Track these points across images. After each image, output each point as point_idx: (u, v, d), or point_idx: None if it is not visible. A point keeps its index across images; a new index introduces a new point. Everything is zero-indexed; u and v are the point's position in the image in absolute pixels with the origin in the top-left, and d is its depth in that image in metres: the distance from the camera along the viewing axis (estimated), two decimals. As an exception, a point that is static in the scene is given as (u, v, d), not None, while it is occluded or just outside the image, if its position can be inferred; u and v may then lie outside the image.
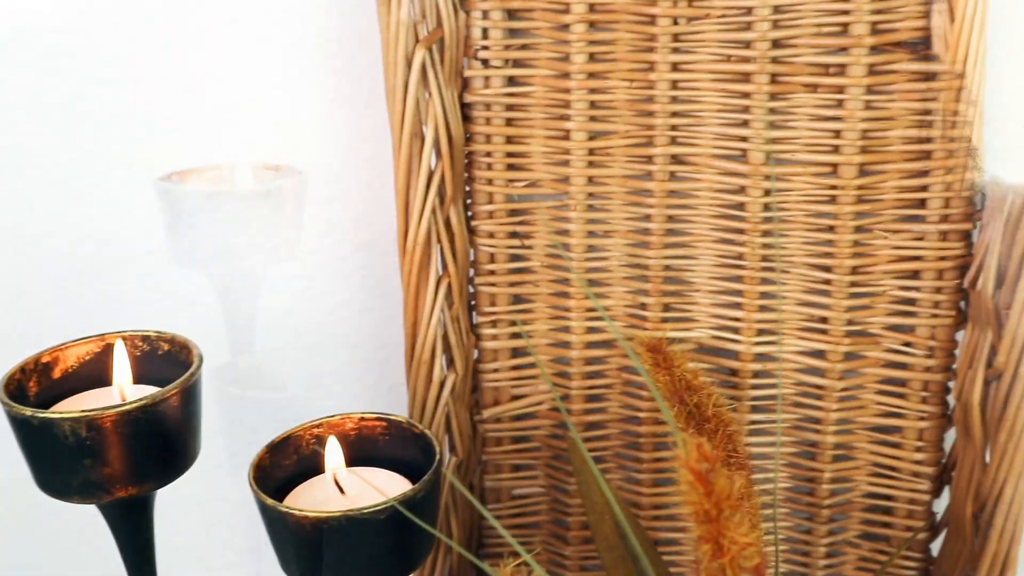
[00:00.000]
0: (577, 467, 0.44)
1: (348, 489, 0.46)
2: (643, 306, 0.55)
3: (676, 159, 0.52)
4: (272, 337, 0.65)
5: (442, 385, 0.55)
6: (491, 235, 0.55)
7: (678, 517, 0.58)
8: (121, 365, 0.47)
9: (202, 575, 0.70)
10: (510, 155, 0.54)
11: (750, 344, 0.54)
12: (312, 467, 0.48)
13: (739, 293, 0.53)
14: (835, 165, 0.51)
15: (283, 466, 0.47)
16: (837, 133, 0.50)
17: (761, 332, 0.54)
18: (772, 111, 0.50)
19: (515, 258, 0.56)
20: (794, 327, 0.53)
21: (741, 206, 0.52)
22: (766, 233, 0.52)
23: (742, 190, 0.52)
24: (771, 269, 0.53)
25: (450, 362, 0.56)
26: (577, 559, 0.60)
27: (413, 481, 0.45)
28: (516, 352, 0.58)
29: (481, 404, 0.58)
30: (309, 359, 0.65)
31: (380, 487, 0.46)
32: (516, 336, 0.57)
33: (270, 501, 0.42)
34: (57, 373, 0.48)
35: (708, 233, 0.53)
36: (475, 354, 0.58)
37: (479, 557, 0.62)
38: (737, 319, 0.54)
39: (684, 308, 0.55)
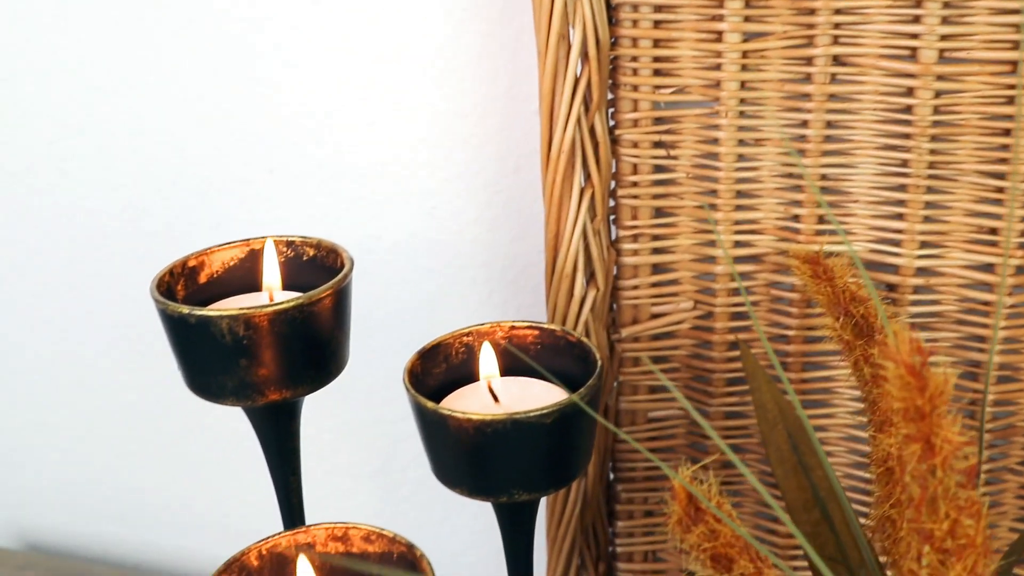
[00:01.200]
0: (750, 373, 0.42)
1: (503, 397, 0.45)
2: (796, 218, 0.52)
3: (838, 60, 0.49)
4: (398, 257, 0.64)
5: (582, 301, 0.53)
6: (635, 144, 0.53)
7: (826, 441, 0.56)
8: (271, 267, 0.46)
9: (336, 486, 0.69)
10: (657, 59, 0.51)
11: (911, 258, 0.51)
12: (461, 376, 0.47)
13: (902, 203, 0.51)
14: (1014, 63, 0.47)
15: (433, 374, 0.46)
16: (1017, 28, 0.47)
17: (924, 245, 0.51)
18: (947, 4, 0.47)
19: (659, 169, 0.54)
20: (960, 239, 0.50)
21: (908, 109, 0.49)
22: (935, 138, 0.49)
23: (910, 92, 0.49)
24: (938, 177, 0.50)
25: (591, 277, 0.54)
26: (716, 484, 0.58)
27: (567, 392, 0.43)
28: (657, 268, 0.55)
29: (619, 323, 0.56)
30: (435, 279, 0.64)
31: (535, 397, 0.44)
32: (658, 251, 0.55)
33: (431, 404, 0.41)
34: (203, 278, 0.47)
35: (870, 140, 0.50)
36: (614, 270, 0.56)
37: (611, 481, 0.61)
38: (899, 231, 0.51)
39: (841, 220, 0.52)
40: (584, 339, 0.45)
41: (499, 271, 0.63)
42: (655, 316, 0.56)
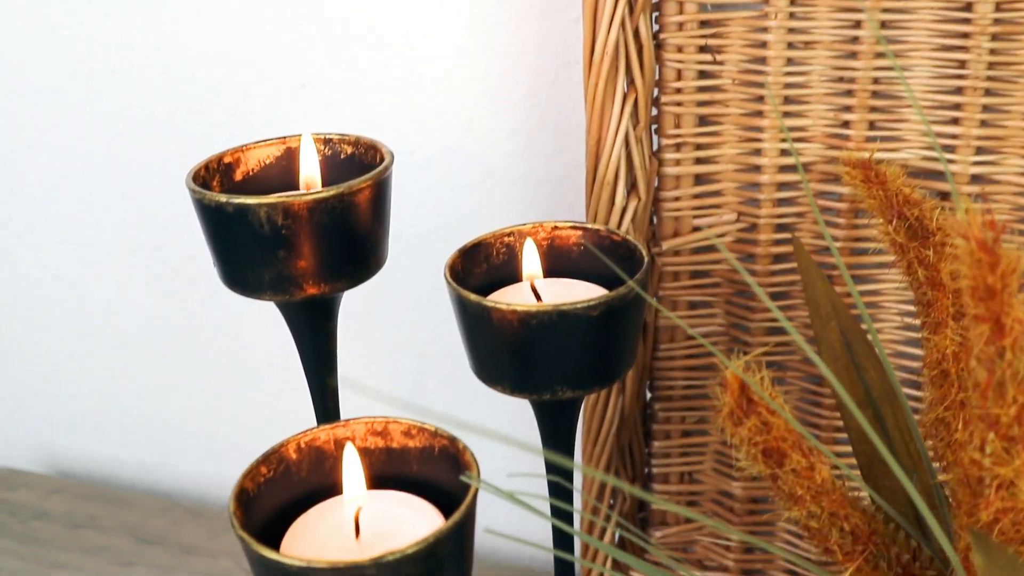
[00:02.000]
0: (803, 269, 0.41)
1: (545, 297, 0.44)
2: (846, 124, 0.51)
3: (894, -43, 0.48)
4: (433, 173, 0.62)
5: (623, 211, 0.52)
6: (679, 49, 0.51)
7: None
8: (309, 162, 0.45)
9: (372, 390, 0.69)
10: (704, -41, 0.50)
11: (966, 164, 0.49)
12: (502, 277, 0.46)
13: (958, 107, 0.49)
14: (1081, -43, 0.45)
15: (473, 274, 0.45)
16: (1086, -80, 0.45)
17: (980, 151, 0.49)
18: None
19: (704, 75, 0.52)
20: (1019, 144, 0.49)
21: (968, 7, 0.47)
22: (995, 37, 0.47)
23: (969, -11, 0.47)
24: (997, 79, 0.48)
25: (632, 187, 0.52)
26: (768, 377, 0.57)
27: (616, 287, 0.42)
28: (700, 179, 0.54)
29: (659, 236, 0.55)
30: (471, 195, 0.62)
31: (579, 296, 0.43)
32: (701, 161, 0.53)
33: (473, 297, 0.40)
34: (239, 176, 0.46)
35: (926, 40, 0.48)
36: (655, 181, 0.54)
37: (649, 401, 0.60)
38: (954, 136, 0.49)
39: (892, 126, 0.50)
40: (629, 237, 0.44)
41: (536, 186, 0.61)
42: (696, 229, 0.55)
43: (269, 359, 0.73)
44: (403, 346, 0.68)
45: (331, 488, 0.39)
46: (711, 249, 0.55)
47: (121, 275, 0.75)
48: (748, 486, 0.59)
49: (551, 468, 0.44)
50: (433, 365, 0.68)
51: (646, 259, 0.42)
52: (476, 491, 0.35)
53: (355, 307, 0.61)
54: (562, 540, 0.46)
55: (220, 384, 0.76)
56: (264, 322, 0.69)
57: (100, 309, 0.77)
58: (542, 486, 0.49)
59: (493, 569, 0.68)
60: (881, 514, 0.39)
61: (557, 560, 0.47)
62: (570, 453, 0.45)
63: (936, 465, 0.41)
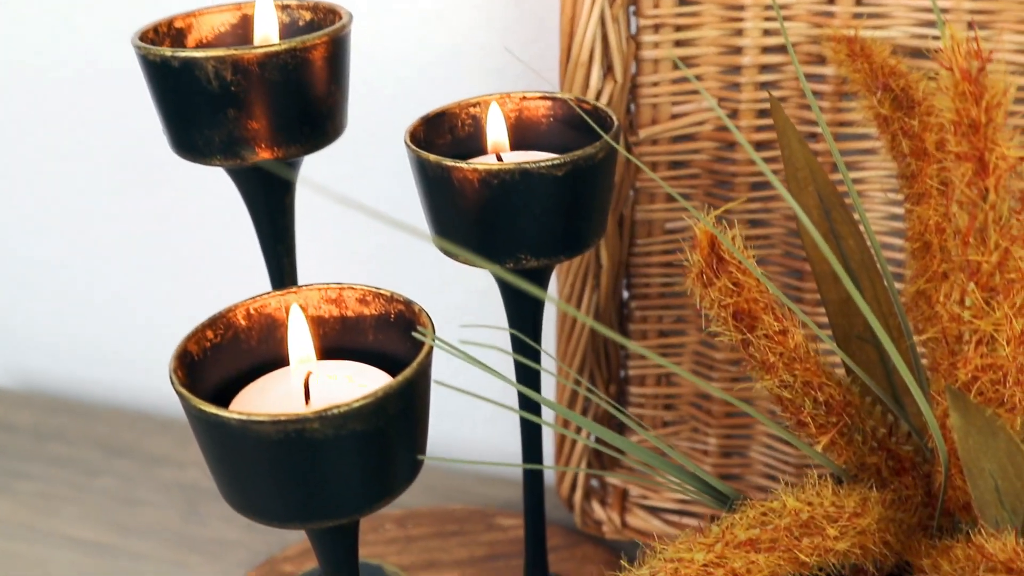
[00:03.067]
0: (780, 130, 0.39)
1: (511, 165, 0.41)
2: (831, 1, 0.49)
3: None
4: (404, 66, 0.60)
5: (599, 94, 0.50)
6: (658, -78, 0.49)
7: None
8: (265, 24, 0.42)
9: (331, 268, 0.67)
10: None
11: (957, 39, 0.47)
12: (468, 151, 0.43)
13: (948, -20, 0.47)
14: None
15: (437, 144, 0.43)
16: None
17: (971, 26, 0.47)
18: None
19: (684, -50, 0.50)
20: (1012, 19, 0.46)
21: None
22: (988, -98, 0.45)
23: None
24: (990, -52, 0.46)
25: (608, 69, 0.50)
26: (741, 235, 0.55)
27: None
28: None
29: (636, 124, 0.53)
30: (442, 87, 0.60)
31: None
32: (680, 44, 0.51)
33: (432, 157, 0.38)
34: (191, 43, 0.43)
35: (916, -92, 0.46)
36: (633, 66, 0.52)
37: (625, 300, 0.58)
38: (944, 10, 0.47)
39: (879, 1, 0.48)
40: (600, 105, 0.42)
41: (512, 79, 0.59)
42: (675, 116, 0.53)
43: (241, 271, 0.71)
44: (365, 223, 0.66)
45: (283, 359, 0.38)
46: (690, 138, 0.53)
47: (87, 185, 0.72)
48: (726, 387, 0.57)
49: (518, 346, 0.42)
50: (396, 241, 0.66)
51: (616, 122, 0.40)
52: (430, 349, 0.33)
53: (314, 179, 0.59)
54: (530, 436, 0.44)
55: (191, 297, 0.74)
56: (237, 230, 0.67)
57: (68, 222, 0.74)
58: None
59: (470, 477, 0.67)
60: (857, 387, 0.38)
61: (526, 449, 0.46)
62: (537, 337, 0.43)
63: (917, 339, 0.39)
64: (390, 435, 0.32)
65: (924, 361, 0.40)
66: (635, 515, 0.59)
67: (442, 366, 0.67)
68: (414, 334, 0.33)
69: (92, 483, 0.68)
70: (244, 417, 0.30)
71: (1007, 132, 0.29)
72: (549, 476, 0.67)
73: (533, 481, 0.46)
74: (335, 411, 0.30)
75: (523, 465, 0.38)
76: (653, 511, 0.59)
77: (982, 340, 0.31)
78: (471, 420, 0.71)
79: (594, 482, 0.60)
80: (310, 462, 0.31)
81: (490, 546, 0.58)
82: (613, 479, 0.60)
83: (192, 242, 0.72)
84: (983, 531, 0.32)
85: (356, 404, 0.31)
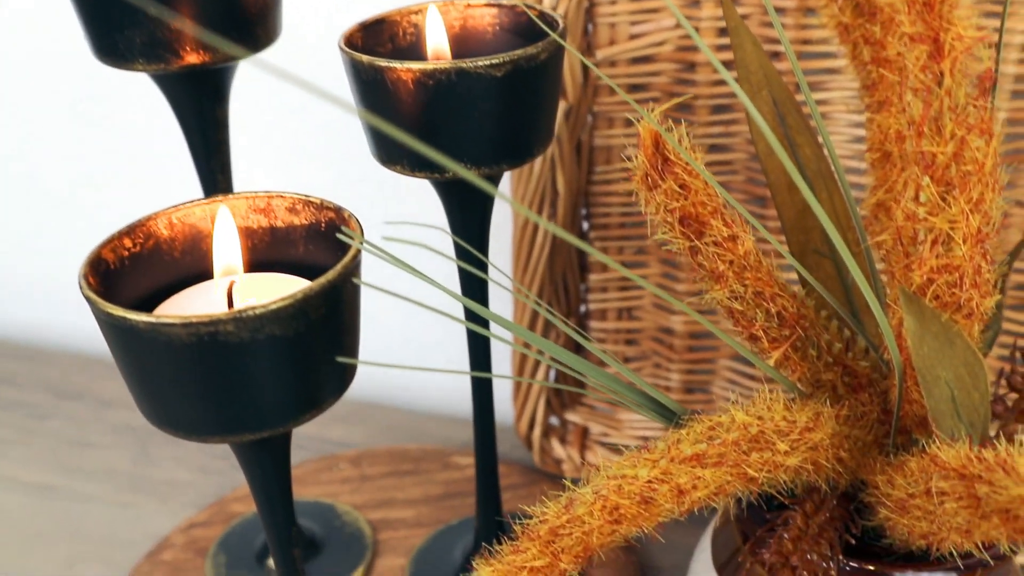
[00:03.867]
0: (732, 29, 0.37)
1: (453, 74, 0.39)
2: (794, -90, 0.47)
3: None
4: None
5: (554, 10, 0.48)
6: None
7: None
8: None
9: (274, 177, 0.65)
10: None
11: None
12: (409, 59, 0.41)
13: None
14: None
15: (376, 53, 0.40)
16: None
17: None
18: None
19: None
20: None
21: None
22: None
23: None
24: None
25: (562, -16, 0.48)
26: (688, 136, 0.53)
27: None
28: (637, -21, 0.50)
29: (594, 45, 0.51)
30: None
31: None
32: (638, -42, 0.49)
33: (365, 58, 0.35)
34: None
35: None
36: (589, -18, 0.50)
37: (584, 231, 0.56)
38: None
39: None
40: (546, 9, 0.40)
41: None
42: (634, 36, 0.50)
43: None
44: (304, 136, 0.63)
45: (210, 273, 0.36)
46: (649, 59, 0.51)
47: (32, 123, 0.70)
48: (688, 320, 0.56)
49: (463, 255, 0.40)
50: (336, 156, 0.64)
51: (561, 23, 0.38)
52: (356, 252, 0.31)
53: (248, 92, 0.57)
54: (478, 348, 0.43)
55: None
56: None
57: (13, 161, 0.72)
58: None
59: (428, 418, 0.65)
60: (812, 300, 0.36)
61: (474, 359, 0.44)
62: (484, 244, 0.41)
63: (871, 241, 0.37)
64: (313, 342, 0.30)
65: (884, 278, 0.38)
66: (595, 453, 0.57)
67: (404, 311, 0.66)
68: (339, 236, 0.31)
69: (41, 426, 0.66)
70: (153, 320, 0.28)
71: (964, 10, 0.27)
72: (508, 416, 0.65)
73: (482, 408, 0.45)
74: (250, 313, 0.28)
75: (471, 372, 0.36)
76: (614, 448, 0.57)
77: (938, 239, 0.30)
78: (434, 363, 0.69)
79: (553, 420, 0.58)
80: (227, 369, 0.29)
81: (445, 485, 0.57)
82: (573, 417, 0.58)
83: (146, 180, 0.70)
84: (938, 441, 0.30)
85: (273, 306, 0.29)
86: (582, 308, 0.58)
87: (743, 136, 0.51)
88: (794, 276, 0.45)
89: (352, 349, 0.33)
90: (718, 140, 0.51)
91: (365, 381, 0.70)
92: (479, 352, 0.42)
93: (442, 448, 0.60)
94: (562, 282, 0.56)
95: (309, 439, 0.63)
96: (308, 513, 0.54)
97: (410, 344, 0.69)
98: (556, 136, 0.51)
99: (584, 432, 0.58)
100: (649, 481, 0.32)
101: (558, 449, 0.57)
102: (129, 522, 0.57)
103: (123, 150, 0.69)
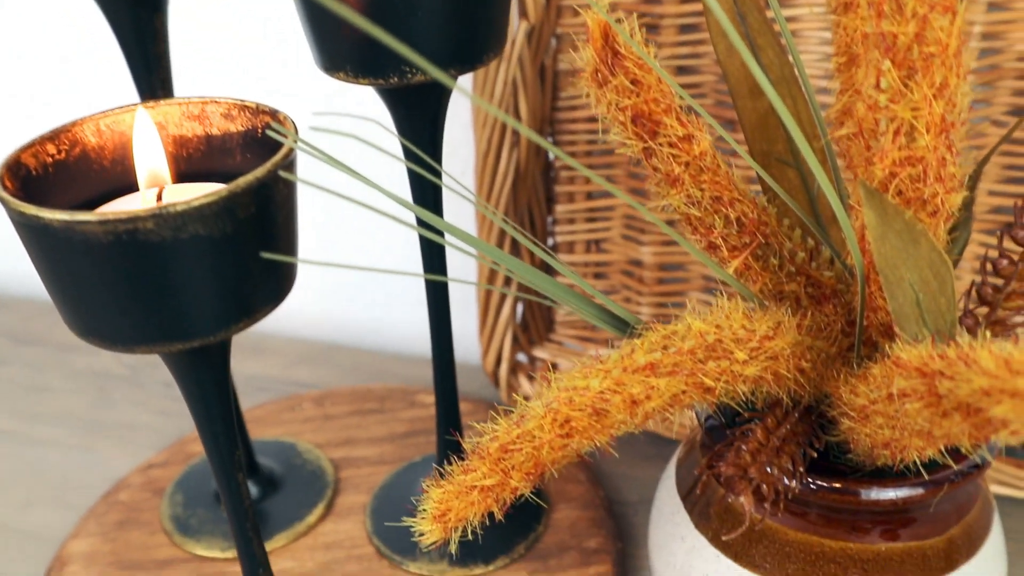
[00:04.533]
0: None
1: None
2: None
3: None
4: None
5: (511, -76, 0.46)
6: None
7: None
8: None
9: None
10: None
11: None
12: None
13: None
14: None
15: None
16: None
17: None
18: None
19: None
20: None
21: None
22: None
23: None
24: None
25: None
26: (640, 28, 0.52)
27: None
28: None
29: (556, -38, 0.49)
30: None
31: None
32: None
33: (303, -45, 0.34)
34: None
35: None
36: None
37: (549, 162, 0.54)
38: None
39: None
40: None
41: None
42: (598, -47, 0.49)
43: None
44: (245, 42, 0.62)
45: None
46: (614, -23, 0.49)
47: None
48: (659, 251, 0.54)
49: (413, 161, 0.39)
50: (280, 72, 0.62)
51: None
52: (290, 150, 0.30)
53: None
54: (431, 254, 0.41)
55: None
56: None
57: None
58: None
59: (395, 358, 0.64)
60: (775, 208, 0.35)
61: (427, 262, 0.42)
62: (437, 150, 0.39)
63: (841, 163, 0.36)
64: (243, 244, 0.29)
65: (849, 187, 0.36)
66: (564, 389, 0.56)
67: (369, 252, 0.64)
68: (269, 131, 0.29)
69: (-1, 372, 0.65)
70: (67, 217, 0.27)
71: None
72: (475, 355, 0.64)
73: (440, 325, 0.43)
74: (172, 210, 0.27)
75: (424, 276, 0.34)
76: (582, 385, 0.56)
77: (900, 129, 0.28)
78: (400, 303, 0.67)
79: (521, 357, 0.57)
80: (150, 272, 0.28)
81: (410, 423, 0.55)
82: (541, 353, 0.57)
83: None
84: (901, 344, 0.29)
85: (196, 203, 0.27)
86: (549, 241, 0.56)
87: (710, 57, 0.49)
88: (758, 188, 0.43)
89: (288, 254, 0.31)
90: (686, 62, 0.50)
91: (332, 323, 0.69)
92: (434, 261, 0.41)
93: (407, 387, 0.59)
94: (527, 214, 0.54)
95: (272, 380, 0.62)
96: (268, 452, 0.53)
97: (375, 281, 0.67)
98: (518, 59, 0.49)
99: (553, 369, 0.57)
100: (601, 392, 0.31)
101: (526, 386, 0.56)
102: (87, 465, 0.56)
103: (67, 76, 0.67)
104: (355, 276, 0.67)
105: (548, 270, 0.57)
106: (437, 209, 0.39)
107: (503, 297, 0.54)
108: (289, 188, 0.30)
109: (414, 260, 0.65)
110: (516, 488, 0.32)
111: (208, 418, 0.34)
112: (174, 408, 0.60)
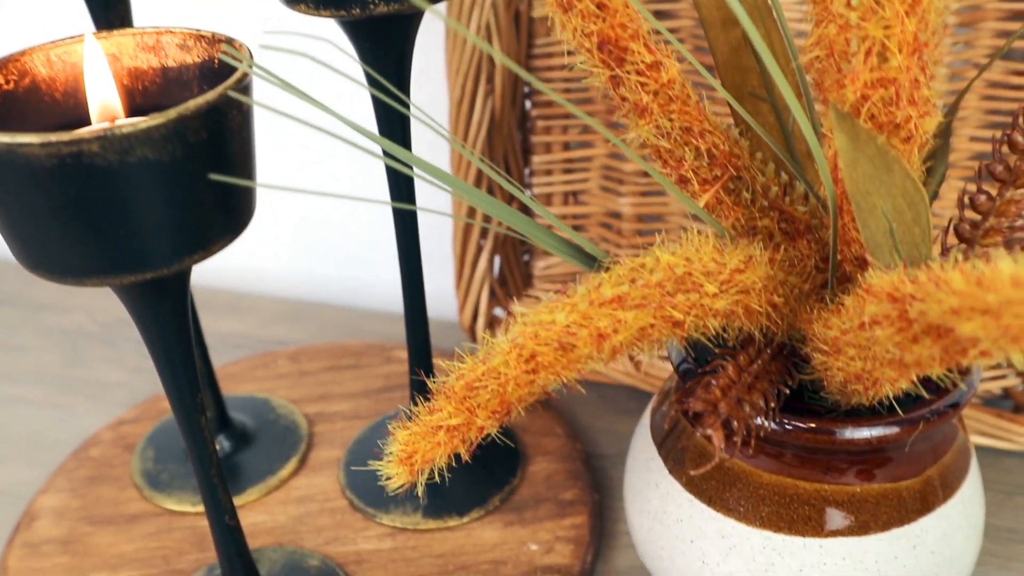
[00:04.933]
0: None
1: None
2: None
3: None
4: None
5: None
6: None
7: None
8: None
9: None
10: None
11: None
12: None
13: None
14: None
15: None
16: None
17: None
18: None
19: None
20: None
21: None
22: None
23: None
24: None
25: None
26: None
27: None
28: None
29: (531, -96, 0.48)
30: None
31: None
32: None
33: None
34: None
35: None
36: None
37: (526, 111, 0.53)
38: None
39: None
40: None
41: None
42: None
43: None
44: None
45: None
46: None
47: None
48: (637, 203, 0.53)
49: (377, 87, 0.38)
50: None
51: None
52: (243, 75, 0.29)
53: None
54: (399, 185, 0.40)
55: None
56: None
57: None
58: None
59: (373, 316, 0.63)
60: (748, 141, 0.34)
61: (394, 191, 0.41)
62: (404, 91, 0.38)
63: (803, 60, 0.35)
64: (195, 171, 0.28)
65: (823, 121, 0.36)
66: (542, 344, 0.55)
67: (347, 208, 0.63)
68: (222, 55, 0.28)
69: (-29, 332, 0.64)
70: (8, 140, 0.26)
71: None
72: (452, 313, 0.63)
73: (410, 268, 0.42)
74: (118, 132, 0.26)
75: (392, 203, 0.33)
76: (560, 339, 0.55)
77: (871, 49, 0.27)
78: (376, 262, 0.67)
79: (499, 311, 0.56)
80: (97, 198, 0.27)
81: (386, 378, 0.55)
82: (519, 309, 0.56)
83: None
84: (873, 272, 0.28)
85: (144, 125, 0.26)
86: (526, 194, 0.55)
87: (690, 16, 0.48)
88: (731, 122, 0.43)
89: (245, 186, 0.30)
90: (663, 6, 0.49)
91: (309, 281, 0.68)
92: (402, 197, 0.40)
93: (384, 343, 0.58)
94: (503, 164, 0.53)
95: (247, 338, 0.61)
96: (241, 407, 0.52)
97: (353, 238, 0.66)
98: (492, 4, 0.48)
99: (530, 323, 0.56)
100: (567, 326, 0.30)
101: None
102: (58, 422, 0.55)
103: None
104: (332, 233, 0.66)
105: (524, 212, 0.56)
106: (405, 143, 0.38)
107: (479, 250, 0.53)
108: (244, 116, 0.29)
109: (387, 217, 0.64)
110: (482, 427, 0.31)
111: (169, 360, 0.33)
112: (146, 365, 0.59)
